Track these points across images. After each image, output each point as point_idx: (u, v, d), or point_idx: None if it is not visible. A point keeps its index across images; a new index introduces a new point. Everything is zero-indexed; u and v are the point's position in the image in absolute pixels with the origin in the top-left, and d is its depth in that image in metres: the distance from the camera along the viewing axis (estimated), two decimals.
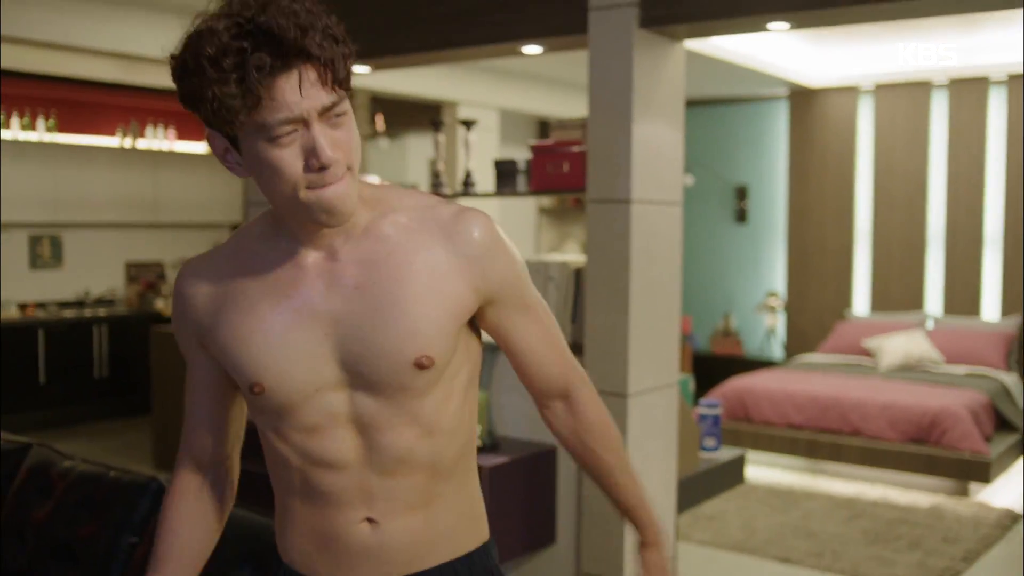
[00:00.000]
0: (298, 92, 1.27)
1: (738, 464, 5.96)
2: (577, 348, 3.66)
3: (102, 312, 8.02)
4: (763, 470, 6.46)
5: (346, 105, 1.33)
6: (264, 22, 1.24)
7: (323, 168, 1.30)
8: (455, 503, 1.52)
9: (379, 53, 4.28)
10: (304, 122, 1.29)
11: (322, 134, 1.30)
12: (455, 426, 1.49)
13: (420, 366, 1.40)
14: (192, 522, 1.64)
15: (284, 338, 1.41)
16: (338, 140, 1.32)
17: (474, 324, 1.53)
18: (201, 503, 1.65)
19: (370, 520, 1.47)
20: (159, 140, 8.63)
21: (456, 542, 1.53)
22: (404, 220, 1.44)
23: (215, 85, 1.25)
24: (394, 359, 1.39)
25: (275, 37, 1.24)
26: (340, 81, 1.31)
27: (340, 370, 1.42)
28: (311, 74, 1.28)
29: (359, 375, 1.41)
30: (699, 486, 5.03)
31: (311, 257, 1.43)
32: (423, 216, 1.45)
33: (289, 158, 1.30)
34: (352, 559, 1.48)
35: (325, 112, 1.30)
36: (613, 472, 1.63)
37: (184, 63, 1.29)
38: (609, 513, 3.58)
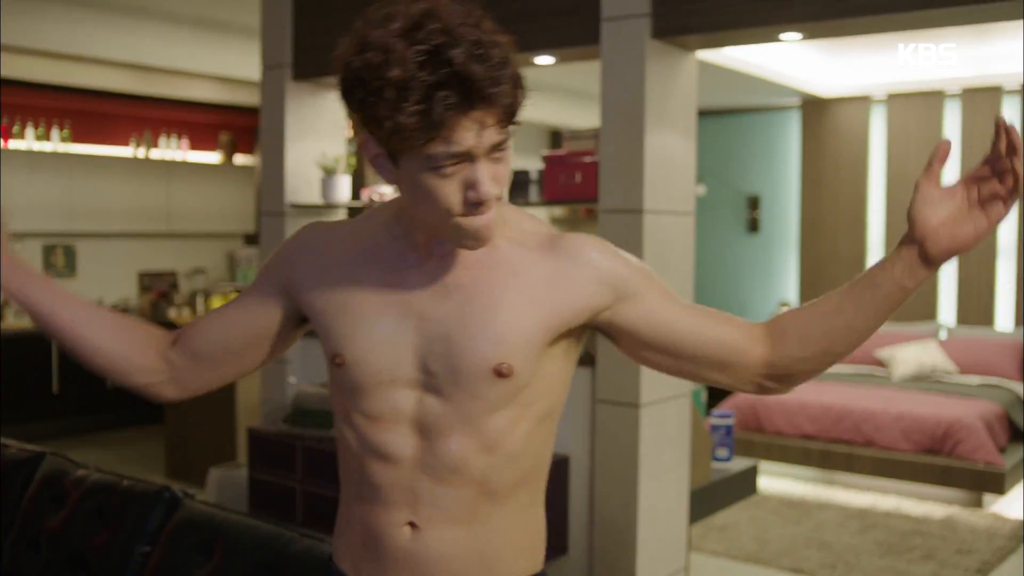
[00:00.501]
0: (477, 134, 1.27)
1: (751, 475, 5.95)
2: (589, 358, 3.66)
3: None
4: (776, 480, 6.44)
5: (510, 140, 1.33)
6: (458, 63, 1.23)
7: (480, 203, 1.31)
8: (505, 528, 1.49)
9: None
10: (472, 157, 1.29)
11: (485, 169, 1.30)
12: (519, 451, 1.46)
13: (499, 374, 1.39)
14: (112, 327, 1.64)
15: (375, 319, 1.44)
16: (498, 174, 1.33)
17: (567, 366, 1.51)
18: (131, 336, 1.64)
19: (412, 525, 1.45)
20: (172, 150, 8.67)
21: (500, 568, 1.49)
22: (517, 236, 1.45)
23: (395, 115, 1.24)
24: (474, 362, 1.39)
25: (466, 79, 1.23)
26: (514, 120, 1.31)
27: (417, 368, 1.43)
28: (492, 117, 1.27)
29: (434, 375, 1.42)
30: (712, 497, 5.03)
31: (422, 253, 1.44)
32: (537, 238, 1.45)
33: (448, 189, 1.30)
34: (392, 564, 1.47)
35: (493, 148, 1.30)
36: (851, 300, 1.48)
37: (361, 79, 1.27)
38: (622, 523, 3.57)
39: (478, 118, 1.26)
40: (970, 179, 1.38)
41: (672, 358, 1.48)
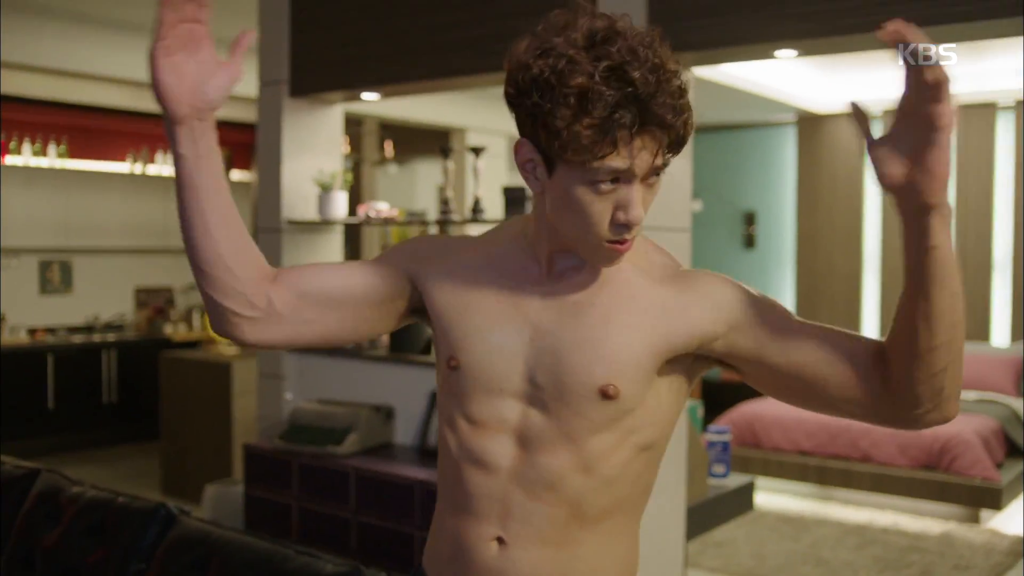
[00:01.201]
0: (646, 157, 1.28)
1: (747, 491, 5.94)
2: None
3: (111, 337, 8.04)
4: (773, 497, 6.43)
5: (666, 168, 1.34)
6: (641, 85, 1.24)
7: (627, 226, 1.32)
8: (595, 555, 1.45)
9: (389, 80, 4.30)
10: (630, 178, 1.30)
11: (639, 192, 1.31)
12: (615, 476, 1.43)
13: (604, 394, 1.38)
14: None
15: (493, 326, 1.44)
16: (647, 200, 1.34)
17: (676, 400, 1.47)
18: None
19: (500, 540, 1.44)
20: (169, 166, 8.67)
21: None
22: (644, 264, 1.45)
23: (574, 124, 1.25)
24: (580, 380, 1.39)
25: (645, 101, 1.24)
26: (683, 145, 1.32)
27: (526, 380, 1.43)
28: (663, 144, 1.29)
29: (541, 389, 1.41)
30: (708, 513, 5.02)
31: (544, 267, 1.45)
32: (663, 270, 1.45)
33: (600, 206, 1.31)
34: None
35: (650, 174, 1.32)
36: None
37: (543, 81, 1.27)
38: None
39: (647, 143, 1.27)
40: (900, 113, 1.30)
41: (800, 384, 1.40)
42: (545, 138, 1.28)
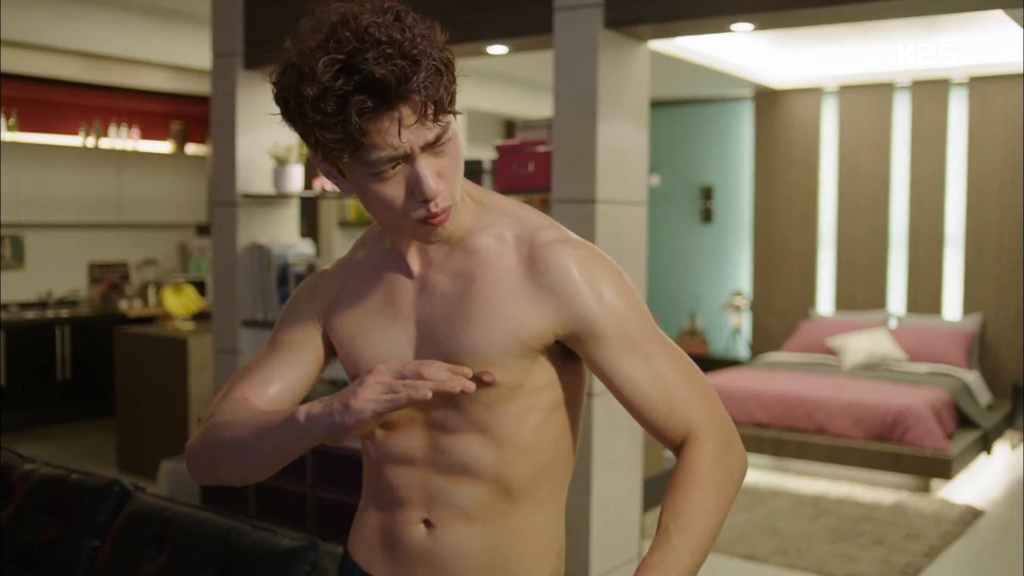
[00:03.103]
0: (399, 134, 1.26)
1: None
2: None
3: (65, 313, 7.94)
4: None
5: (451, 131, 1.32)
6: (365, 68, 1.22)
7: (426, 201, 1.32)
8: (523, 527, 1.47)
9: None
10: (409, 157, 1.29)
11: (426, 167, 1.30)
12: (531, 444, 1.45)
13: (481, 381, 1.39)
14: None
15: (383, 337, 1.47)
16: (444, 168, 1.33)
17: (569, 361, 1.48)
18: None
19: (427, 523, 1.47)
20: (123, 140, 8.56)
21: (519, 568, 1.48)
22: (503, 235, 1.44)
23: (317, 129, 1.26)
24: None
25: (377, 80, 1.23)
26: (444, 112, 1.30)
27: None
28: (413, 114, 1.26)
29: None
30: (665, 485, 5.06)
31: (411, 263, 1.47)
32: (521, 236, 1.43)
33: (393, 191, 1.32)
34: (407, 561, 1.49)
35: (429, 146, 1.30)
36: (667, 532, 1.36)
37: (286, 101, 1.30)
38: (575, 512, 3.59)
39: (397, 117, 1.25)
40: None
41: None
42: (314, 152, 1.32)
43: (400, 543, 1.49)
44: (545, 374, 1.45)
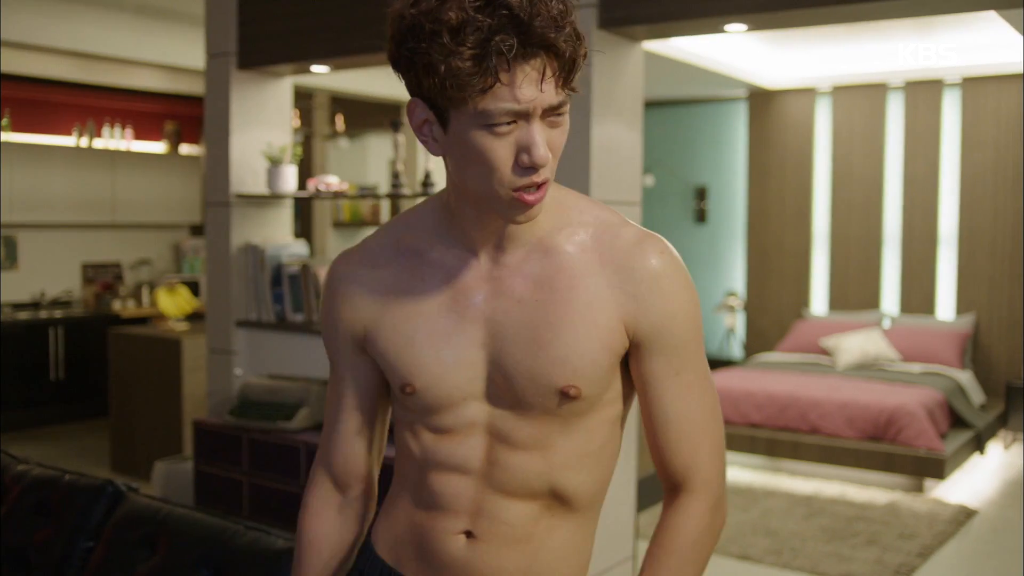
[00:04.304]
0: (535, 86, 1.20)
1: None
2: None
3: (58, 314, 7.92)
4: None
5: (567, 107, 1.26)
6: (517, 6, 1.17)
7: (533, 168, 1.24)
8: (562, 545, 1.43)
9: (339, 53, 4.26)
10: (527, 116, 1.22)
11: (540, 132, 1.23)
12: (595, 461, 1.42)
13: (566, 395, 1.34)
14: (333, 543, 1.58)
15: (445, 341, 1.38)
16: (553, 141, 1.26)
17: (632, 367, 1.43)
18: (343, 523, 1.59)
19: (468, 534, 1.41)
20: (116, 140, 8.54)
21: None
22: (582, 237, 1.37)
23: (451, 58, 1.17)
24: (541, 383, 1.34)
25: (525, 22, 1.17)
26: (573, 81, 1.24)
27: (487, 383, 1.38)
28: (551, 69, 1.20)
29: (505, 390, 1.37)
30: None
31: (481, 260, 1.38)
32: (602, 236, 1.37)
33: (502, 150, 1.23)
34: (440, 569, 1.43)
35: (550, 111, 1.23)
36: None
37: (416, 25, 1.20)
38: None
39: (537, 67, 1.19)
40: None
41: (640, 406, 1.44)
42: (428, 86, 1.22)
43: (435, 549, 1.43)
44: (617, 386, 1.41)
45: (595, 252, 1.36)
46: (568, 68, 1.22)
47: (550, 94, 1.22)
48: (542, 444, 1.38)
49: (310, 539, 1.57)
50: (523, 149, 1.23)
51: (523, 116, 1.22)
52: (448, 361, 1.37)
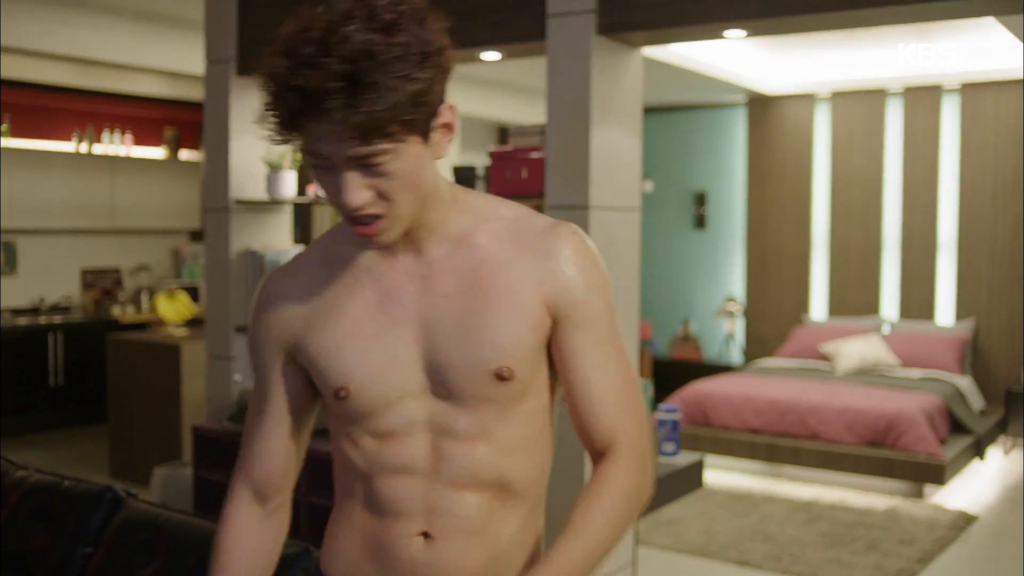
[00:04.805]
0: (333, 139, 1.24)
1: (697, 468, 6.00)
2: None
3: (57, 319, 7.92)
4: (722, 474, 6.49)
5: (392, 154, 1.27)
6: (304, 72, 1.22)
7: (343, 209, 1.30)
8: (518, 534, 1.47)
9: None
10: (331, 164, 1.28)
11: (352, 179, 1.27)
12: (534, 446, 1.46)
13: (501, 377, 1.38)
14: (257, 557, 1.56)
15: (376, 342, 1.41)
16: (380, 186, 1.29)
17: (549, 351, 1.47)
18: (266, 536, 1.58)
19: (426, 535, 1.43)
20: (116, 145, 8.55)
21: (510, 574, 1.47)
22: (498, 229, 1.43)
23: (266, 106, 1.27)
24: (476, 369, 1.38)
25: (309, 91, 1.22)
26: (383, 134, 1.24)
27: (424, 377, 1.41)
28: (343, 131, 1.23)
29: (442, 383, 1.40)
30: (658, 490, 5.06)
31: (405, 262, 1.43)
32: (516, 227, 1.43)
33: (328, 184, 1.30)
34: (400, 573, 1.44)
35: (356, 160, 1.26)
36: (575, 530, 1.38)
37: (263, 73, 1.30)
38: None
39: (327, 128, 1.24)
40: None
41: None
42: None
43: (394, 556, 1.44)
44: (544, 372, 1.46)
45: (512, 242, 1.42)
46: (371, 127, 1.23)
47: (348, 146, 1.25)
48: (484, 433, 1.41)
49: (236, 554, 1.55)
50: (338, 191, 1.29)
51: (329, 163, 1.28)
52: (380, 361, 1.41)
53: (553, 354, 1.45)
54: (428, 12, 1.30)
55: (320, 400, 1.53)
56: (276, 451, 1.55)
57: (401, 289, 1.42)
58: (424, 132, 1.30)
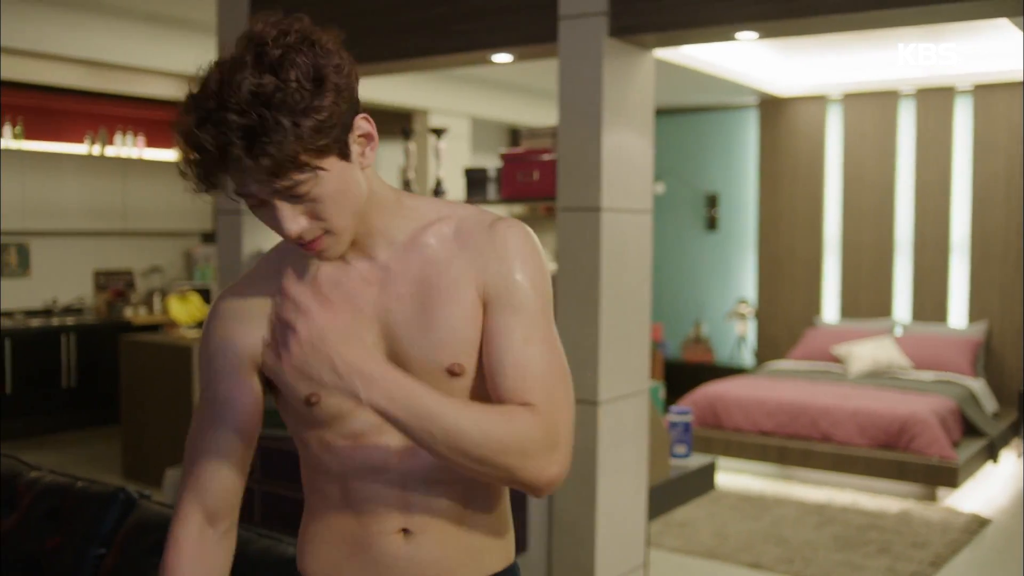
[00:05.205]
0: (244, 181, 1.28)
1: (709, 471, 5.98)
2: None
3: (70, 321, 7.95)
4: (734, 477, 6.48)
5: (312, 182, 1.29)
6: (206, 128, 1.24)
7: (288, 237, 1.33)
8: (485, 520, 1.50)
9: None
10: (260, 200, 1.31)
11: (284, 210, 1.31)
12: None
13: (452, 373, 1.41)
14: None
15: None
16: (312, 209, 1.32)
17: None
18: (215, 561, 1.54)
19: (405, 531, 1.46)
20: (128, 147, 8.57)
21: (484, 561, 1.50)
22: (445, 229, 1.46)
23: (183, 166, 1.30)
24: (431, 367, 1.41)
25: (210, 151, 1.25)
26: (296, 168, 1.26)
27: None
28: (255, 172, 1.26)
29: None
30: (670, 493, 5.05)
31: (359, 268, 1.45)
32: (462, 226, 1.46)
33: (263, 217, 1.34)
34: (382, 570, 1.47)
35: (281, 193, 1.29)
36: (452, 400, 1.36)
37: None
38: (581, 520, 3.58)
39: (237, 170, 1.27)
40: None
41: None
42: None
43: (375, 554, 1.46)
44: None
45: (456, 240, 1.45)
46: (280, 166, 1.25)
47: (267, 183, 1.27)
48: None
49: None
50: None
51: (258, 199, 1.31)
52: None
53: (483, 338, 1.43)
54: (316, 32, 1.30)
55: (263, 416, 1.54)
56: (230, 470, 1.51)
57: (363, 292, 1.44)
58: (341, 151, 1.31)
